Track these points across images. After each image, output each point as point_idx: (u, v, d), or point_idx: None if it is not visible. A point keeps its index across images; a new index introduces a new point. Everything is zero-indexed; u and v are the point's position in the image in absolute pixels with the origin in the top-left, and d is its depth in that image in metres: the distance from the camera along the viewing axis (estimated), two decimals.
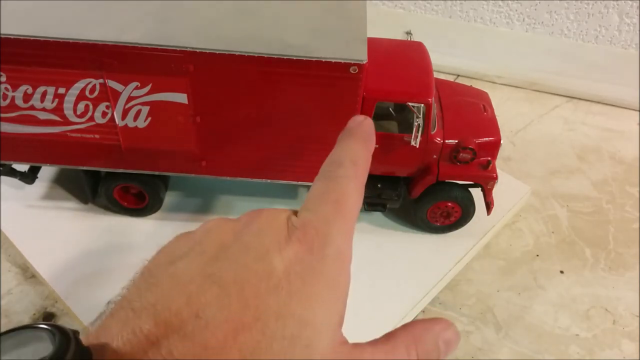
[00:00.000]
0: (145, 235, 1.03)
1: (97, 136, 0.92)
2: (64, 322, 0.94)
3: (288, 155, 0.94)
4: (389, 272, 0.99)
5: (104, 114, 0.89)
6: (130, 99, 0.87)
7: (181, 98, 0.87)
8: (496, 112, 1.04)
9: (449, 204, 1.02)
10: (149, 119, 0.90)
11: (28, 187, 1.06)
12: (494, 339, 0.94)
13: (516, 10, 1.51)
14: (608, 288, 1.03)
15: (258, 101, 0.88)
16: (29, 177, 1.03)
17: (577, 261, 1.08)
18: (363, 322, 0.91)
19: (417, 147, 0.93)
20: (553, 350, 0.93)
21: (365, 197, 1.01)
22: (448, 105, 1.01)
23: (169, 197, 1.09)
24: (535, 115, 1.45)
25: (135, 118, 0.90)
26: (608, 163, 1.31)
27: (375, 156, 0.99)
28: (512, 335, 0.95)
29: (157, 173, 0.99)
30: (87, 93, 0.87)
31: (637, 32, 1.44)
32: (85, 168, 0.98)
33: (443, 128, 0.97)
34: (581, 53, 1.51)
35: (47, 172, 1.12)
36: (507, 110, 1.45)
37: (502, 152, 1.28)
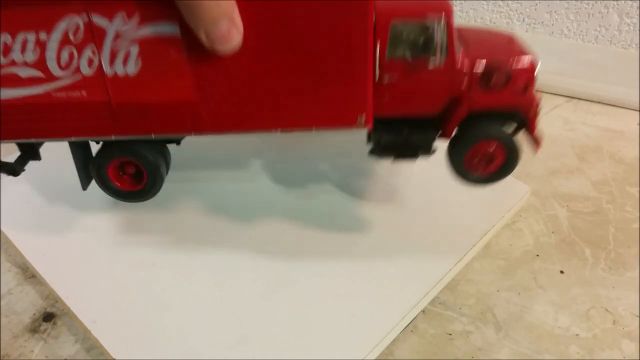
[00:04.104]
0: (147, 235, 1.03)
1: (84, 93, 0.85)
2: (64, 322, 0.94)
3: (298, 93, 0.84)
4: (388, 272, 0.99)
5: (90, 61, 0.83)
6: (117, 36, 0.81)
7: (172, 29, 0.80)
8: None
9: (489, 144, 0.90)
10: (139, 61, 0.83)
11: (28, 187, 1.06)
12: (494, 339, 0.94)
13: (516, 10, 1.51)
14: (608, 288, 1.03)
15: (260, 28, 0.80)
16: (15, 168, 0.97)
17: (577, 261, 1.08)
18: (363, 322, 0.91)
19: (442, 67, 0.85)
20: (553, 350, 0.93)
21: (390, 147, 0.91)
22: (471, 37, 0.93)
23: (171, 197, 1.09)
24: None
25: (125, 62, 0.83)
26: (608, 163, 1.31)
27: (397, 91, 0.89)
28: (512, 335, 0.95)
29: (153, 137, 0.89)
30: (70, 36, 0.81)
31: (637, 32, 1.44)
32: (74, 139, 0.90)
33: (468, 54, 0.88)
34: (581, 53, 1.51)
35: (47, 171, 1.12)
36: None
37: None
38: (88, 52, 0.82)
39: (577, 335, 0.95)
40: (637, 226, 1.15)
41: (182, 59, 0.82)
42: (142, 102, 0.86)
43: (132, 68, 0.83)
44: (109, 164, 0.95)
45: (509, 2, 1.48)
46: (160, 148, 0.96)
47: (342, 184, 1.14)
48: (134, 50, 0.82)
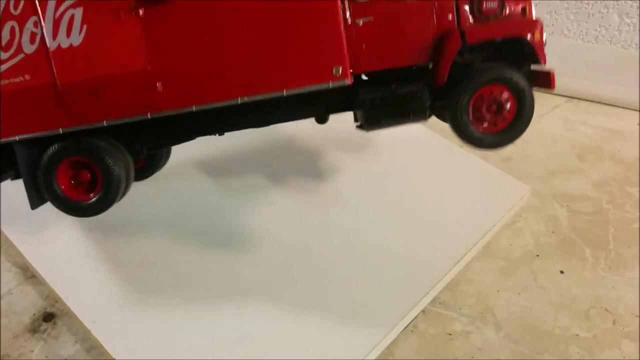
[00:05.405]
0: (146, 235, 1.03)
1: (27, 77, 0.79)
2: (64, 322, 0.94)
3: (263, 49, 0.75)
4: (389, 272, 0.99)
5: (33, 36, 0.78)
6: (59, 1, 0.76)
7: None
8: None
9: (496, 89, 0.78)
10: (84, 28, 0.77)
11: None
12: (494, 339, 0.94)
13: None
14: (608, 288, 1.03)
15: None
16: None
17: (577, 261, 1.08)
18: (363, 322, 0.91)
19: None
20: (553, 350, 0.93)
21: (377, 106, 0.79)
22: None
23: (170, 196, 1.09)
24: (535, 115, 1.45)
25: (69, 31, 0.77)
26: (608, 163, 1.31)
27: (375, 35, 0.77)
28: (512, 335, 0.95)
29: (105, 124, 0.80)
30: (11, 8, 0.77)
31: (637, 32, 1.44)
32: (20, 137, 0.81)
33: None
34: (581, 53, 1.51)
35: None
36: None
37: (502, 152, 1.28)
38: (30, 25, 0.77)
39: (577, 335, 0.95)
40: (637, 226, 1.15)
41: (130, 21, 0.76)
42: (90, 79, 0.78)
43: (77, 38, 0.77)
44: (57, 166, 0.84)
45: None
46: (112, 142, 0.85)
47: (341, 184, 1.14)
48: (78, 14, 0.76)
